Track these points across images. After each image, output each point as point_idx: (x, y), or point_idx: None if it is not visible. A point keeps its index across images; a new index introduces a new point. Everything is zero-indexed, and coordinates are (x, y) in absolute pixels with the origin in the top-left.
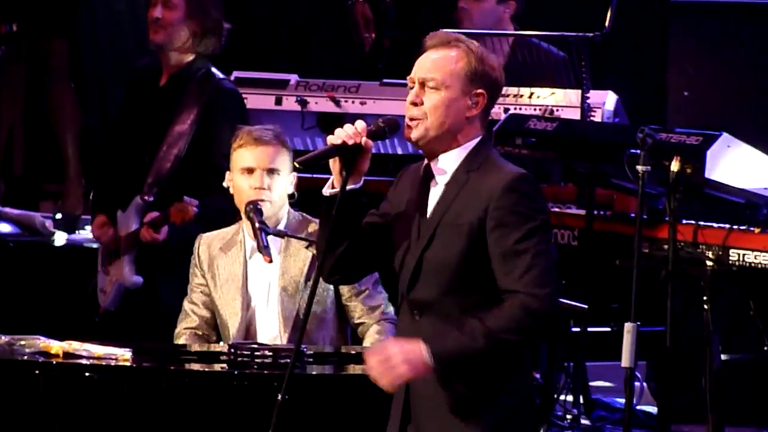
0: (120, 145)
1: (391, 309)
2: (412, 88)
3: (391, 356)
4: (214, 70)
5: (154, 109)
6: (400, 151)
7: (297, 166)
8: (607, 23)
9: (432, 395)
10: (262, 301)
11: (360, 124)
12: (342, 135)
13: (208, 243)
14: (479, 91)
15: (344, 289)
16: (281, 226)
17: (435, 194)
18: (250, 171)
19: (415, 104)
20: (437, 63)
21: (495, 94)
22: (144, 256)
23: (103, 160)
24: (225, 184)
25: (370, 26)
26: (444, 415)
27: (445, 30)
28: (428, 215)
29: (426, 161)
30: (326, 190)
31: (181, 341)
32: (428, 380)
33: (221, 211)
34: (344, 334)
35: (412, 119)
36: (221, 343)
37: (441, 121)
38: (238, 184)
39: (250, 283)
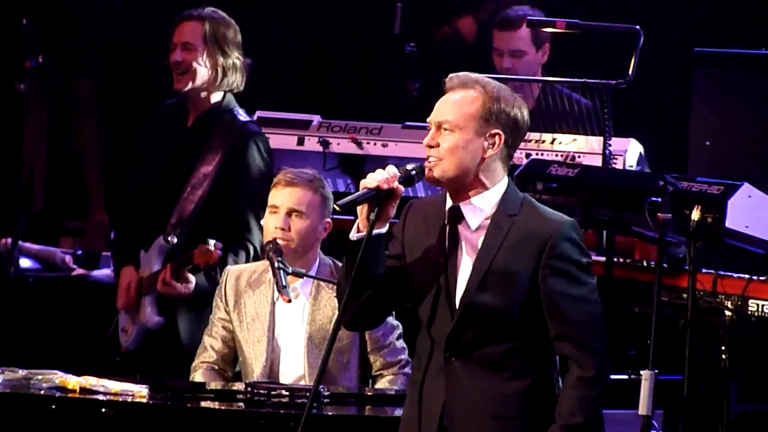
0: (146, 185)
1: (409, 365)
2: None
3: None
4: (239, 111)
5: (180, 150)
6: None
7: (336, 208)
8: (630, 71)
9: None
10: (288, 345)
11: (391, 170)
12: (377, 179)
13: (235, 277)
14: (495, 131)
15: (368, 342)
16: (312, 271)
17: (472, 238)
18: (275, 210)
19: (431, 146)
20: (452, 105)
21: (515, 134)
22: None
23: (128, 202)
24: (262, 222)
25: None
26: None
27: (465, 72)
28: (471, 259)
29: (450, 203)
30: (353, 235)
31: (197, 375)
32: (467, 422)
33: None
34: (366, 383)
35: (429, 160)
36: (239, 382)
37: (457, 162)
38: (265, 223)
39: (277, 325)
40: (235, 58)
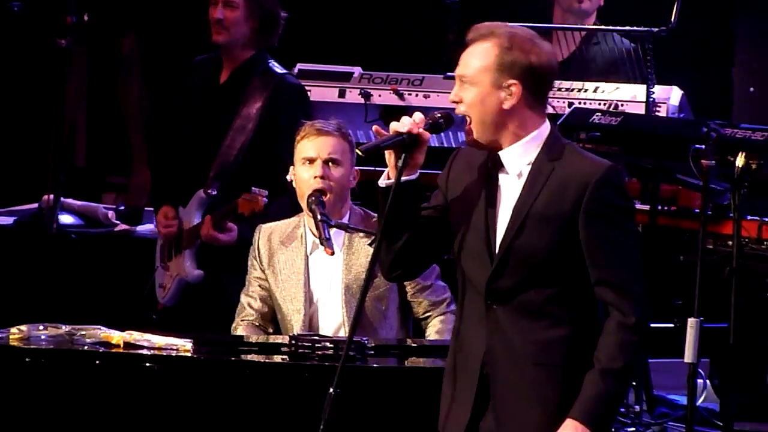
0: (182, 140)
1: (454, 303)
2: None
3: None
4: (274, 64)
5: (216, 105)
6: (455, 145)
7: (359, 153)
8: (673, 18)
9: (516, 385)
10: (325, 298)
11: (418, 116)
12: (399, 126)
13: (267, 235)
14: (510, 82)
15: (408, 286)
16: (344, 221)
17: (511, 184)
18: (311, 161)
19: (456, 102)
20: (468, 58)
21: (536, 81)
22: (205, 250)
23: (167, 155)
24: (288, 178)
25: None
26: (529, 403)
27: (485, 23)
28: (511, 205)
29: (490, 152)
30: (382, 182)
31: (238, 333)
32: (509, 369)
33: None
34: (407, 330)
35: (467, 121)
36: (283, 335)
37: (479, 117)
38: (300, 175)
39: (312, 279)
40: (274, 14)
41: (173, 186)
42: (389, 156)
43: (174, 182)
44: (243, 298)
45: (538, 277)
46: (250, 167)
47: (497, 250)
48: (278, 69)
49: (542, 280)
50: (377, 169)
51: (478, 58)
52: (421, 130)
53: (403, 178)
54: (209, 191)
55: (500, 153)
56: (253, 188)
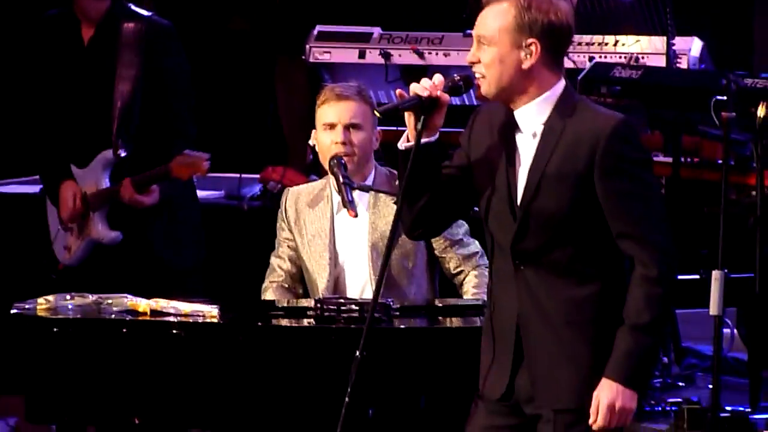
0: (55, 105)
1: (485, 257)
2: None
3: (606, 415)
4: (137, 9)
5: (87, 65)
6: (476, 104)
7: (377, 114)
8: None
9: (548, 344)
10: (351, 257)
11: (437, 78)
12: (418, 88)
13: (295, 197)
14: (530, 41)
15: (437, 242)
16: (368, 182)
17: (527, 144)
18: (332, 126)
19: (473, 63)
20: (487, 19)
21: (555, 40)
22: (119, 210)
23: (41, 127)
24: (310, 143)
25: None
26: (560, 360)
27: None
28: (528, 165)
29: (508, 109)
30: (401, 144)
31: (267, 294)
32: (541, 328)
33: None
34: (434, 288)
35: (478, 76)
36: (308, 299)
37: (497, 77)
38: (321, 140)
39: (337, 239)
40: None
41: (61, 158)
42: (409, 118)
43: (61, 154)
44: (273, 260)
45: (560, 236)
46: (150, 120)
47: (518, 213)
48: (143, 12)
49: (565, 239)
50: (400, 129)
51: (497, 18)
52: (440, 92)
53: (423, 140)
54: (119, 153)
55: (515, 112)
56: (187, 151)
